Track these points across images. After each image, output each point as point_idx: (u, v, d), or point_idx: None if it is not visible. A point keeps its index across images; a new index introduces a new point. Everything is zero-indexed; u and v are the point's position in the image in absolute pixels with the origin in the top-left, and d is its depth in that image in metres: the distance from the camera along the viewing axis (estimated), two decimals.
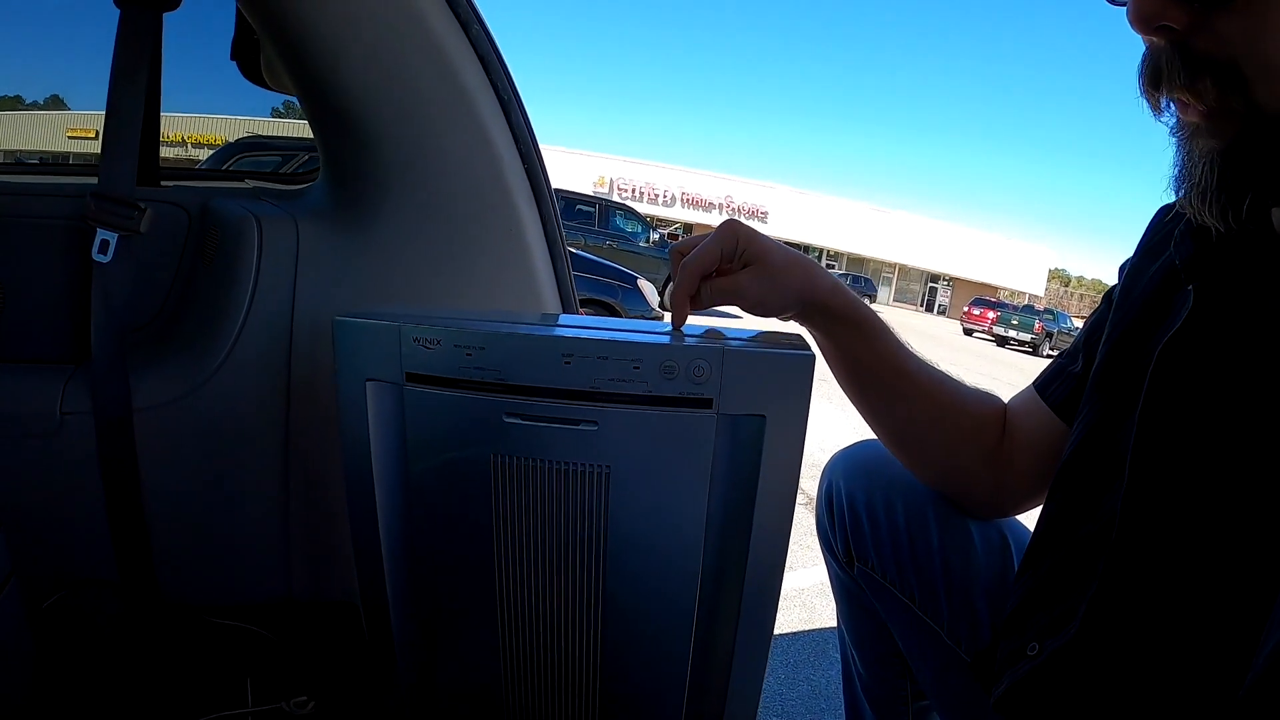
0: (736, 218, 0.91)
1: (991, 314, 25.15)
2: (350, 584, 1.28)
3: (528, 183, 1.22)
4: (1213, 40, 0.54)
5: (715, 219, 36.76)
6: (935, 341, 18.93)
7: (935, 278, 43.25)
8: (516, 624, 0.87)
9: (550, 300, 1.25)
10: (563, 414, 0.77)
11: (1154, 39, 0.58)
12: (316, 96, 1.14)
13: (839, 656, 1.26)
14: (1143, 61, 0.61)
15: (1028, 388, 0.96)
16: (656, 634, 0.85)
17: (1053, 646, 0.75)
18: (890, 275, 42.95)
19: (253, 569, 1.25)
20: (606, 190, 34.02)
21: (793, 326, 0.95)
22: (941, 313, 41.56)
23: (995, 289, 40.25)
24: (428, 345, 0.78)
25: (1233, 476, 0.63)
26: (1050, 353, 23.77)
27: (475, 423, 0.79)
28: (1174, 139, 0.62)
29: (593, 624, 0.85)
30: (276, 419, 1.19)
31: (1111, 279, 0.91)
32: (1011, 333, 23.88)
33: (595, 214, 12.44)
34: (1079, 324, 30.59)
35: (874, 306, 0.98)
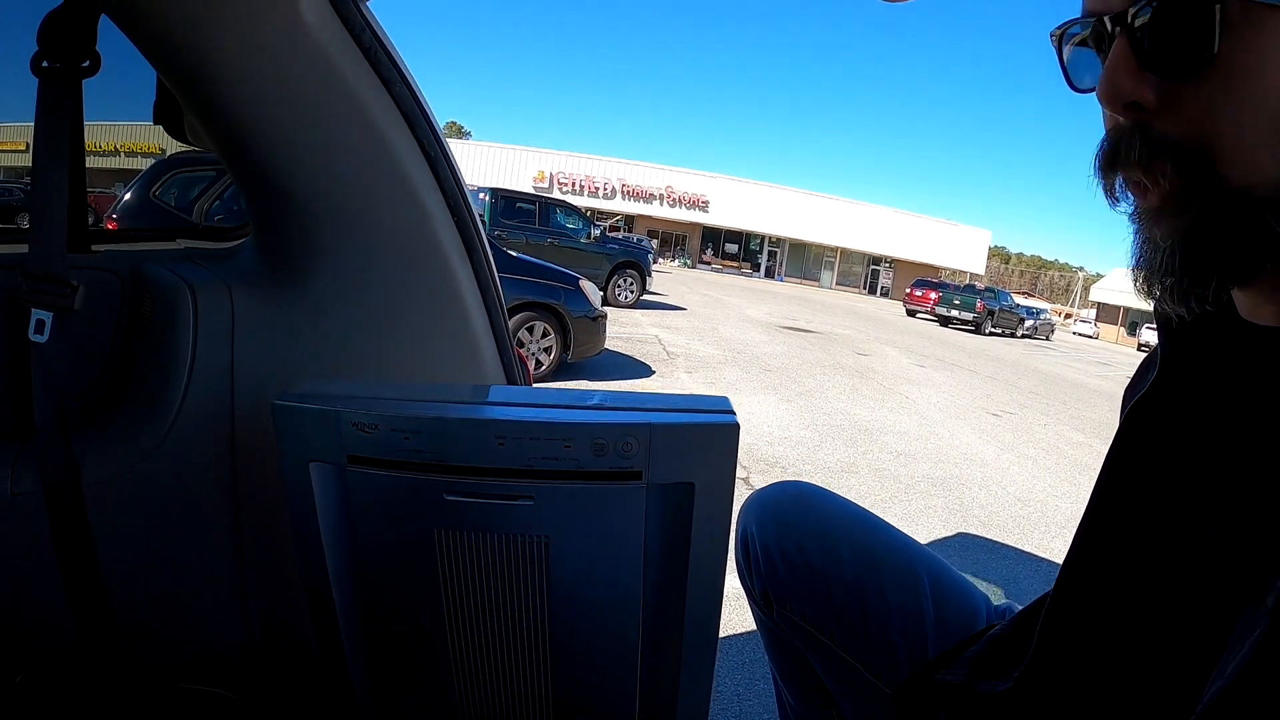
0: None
1: (934, 295, 25.58)
2: (309, 635, 1.29)
3: (459, 237, 1.23)
4: (1178, 121, 0.54)
5: (656, 210, 36.82)
6: (880, 324, 19.23)
7: (877, 260, 43.78)
8: (471, 681, 0.91)
9: (487, 352, 1.27)
10: (499, 491, 0.80)
11: (1119, 119, 0.58)
12: (237, 158, 1.14)
13: None
14: (1100, 145, 0.61)
15: None
16: (603, 687, 0.89)
17: (990, 688, 0.81)
18: (832, 259, 43.36)
19: (212, 627, 1.26)
20: (546, 185, 33.89)
21: (720, 388, 0.99)
22: (885, 295, 42.12)
23: (937, 269, 40.95)
24: (366, 430, 0.80)
25: (1175, 538, 0.64)
26: (992, 330, 24.30)
27: (417, 501, 0.82)
28: (1131, 224, 0.62)
29: (543, 677, 0.89)
30: (224, 483, 1.19)
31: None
32: (954, 313, 24.34)
33: (535, 212, 12.42)
34: (1020, 301, 31.11)
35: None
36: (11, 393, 1.17)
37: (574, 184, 35.98)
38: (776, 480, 1.20)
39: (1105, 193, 0.62)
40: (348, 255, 1.17)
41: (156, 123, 1.33)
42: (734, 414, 0.81)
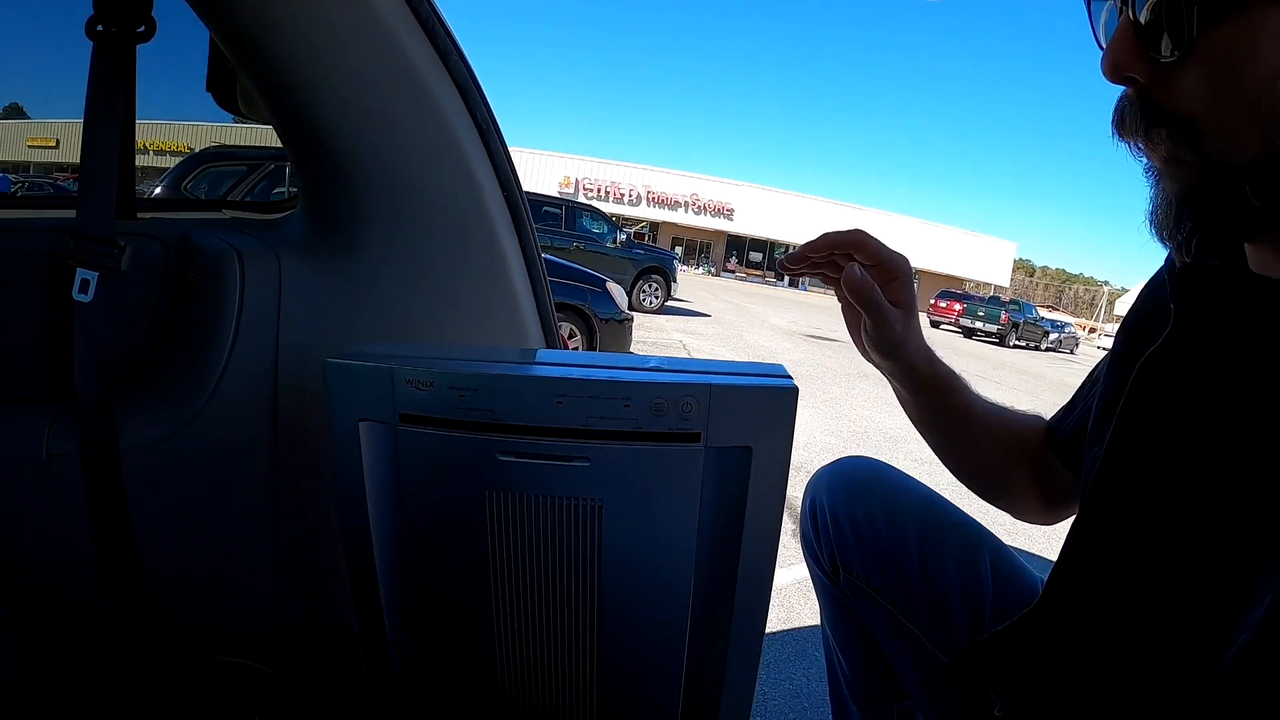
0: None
1: (958, 306, 25.39)
2: (345, 612, 1.28)
3: (507, 210, 1.22)
4: (1171, 95, 0.59)
5: (681, 217, 36.79)
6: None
7: None
8: (514, 655, 0.89)
9: (531, 324, 1.26)
10: (555, 451, 0.79)
11: (1123, 87, 0.63)
12: (293, 127, 1.13)
13: (820, 656, 1.30)
14: (1114, 109, 0.65)
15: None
16: (650, 659, 0.87)
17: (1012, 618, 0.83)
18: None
19: (247, 601, 1.25)
20: (572, 191, 33.94)
21: (780, 356, 0.97)
22: None
23: (961, 281, 40.68)
24: (421, 387, 0.79)
25: (1189, 489, 0.67)
26: (1016, 343, 24.11)
27: (469, 461, 0.81)
28: (1147, 178, 0.66)
29: (588, 652, 0.87)
30: (265, 452, 1.18)
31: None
32: (978, 324, 24.15)
33: (562, 216, 12.43)
34: (1045, 314, 30.97)
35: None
36: (54, 356, 1.17)
37: (599, 189, 36.01)
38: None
39: (1128, 148, 0.66)
40: (397, 225, 1.17)
41: (208, 90, 1.32)
42: (792, 379, 0.80)
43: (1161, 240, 0.65)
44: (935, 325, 26.20)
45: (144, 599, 1.13)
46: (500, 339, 1.24)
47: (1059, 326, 28.96)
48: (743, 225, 38.80)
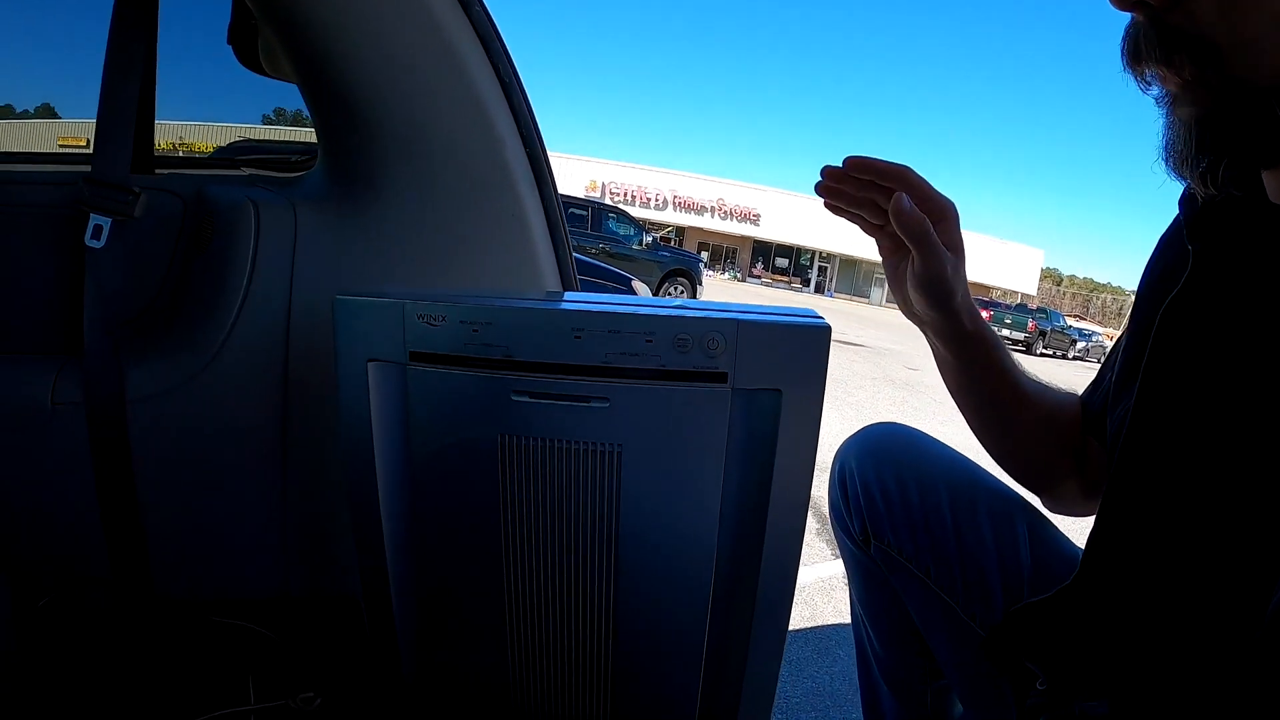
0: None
1: (985, 313, 24.88)
2: (349, 578, 1.25)
3: (529, 165, 1.19)
4: (1186, 17, 0.56)
5: (707, 222, 36.79)
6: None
7: None
8: (524, 611, 0.85)
9: (552, 282, 1.23)
10: (573, 391, 0.74)
11: (1136, 15, 0.60)
12: (315, 80, 1.12)
13: (843, 655, 1.26)
14: (1123, 37, 0.63)
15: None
16: (671, 617, 0.82)
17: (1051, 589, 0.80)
18: (883, 276, 42.93)
19: (249, 564, 1.22)
20: (599, 194, 34.01)
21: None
22: None
23: (988, 289, 40.40)
24: (432, 322, 0.76)
25: (1227, 434, 0.64)
26: (1043, 351, 23.88)
27: (482, 402, 0.77)
28: (1160, 108, 0.64)
29: (605, 609, 0.83)
30: (273, 409, 1.16)
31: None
32: (1005, 332, 23.90)
33: (588, 217, 12.42)
34: (1072, 323, 30.82)
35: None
36: (64, 310, 1.16)
37: (626, 194, 36.09)
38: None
39: (1136, 80, 0.63)
40: (416, 177, 1.14)
41: (229, 43, 1.31)
42: (824, 319, 0.75)
43: (1179, 173, 0.63)
44: None
45: (144, 557, 1.11)
46: (519, 288, 1.21)
47: (1086, 335, 28.67)
48: (769, 231, 38.73)
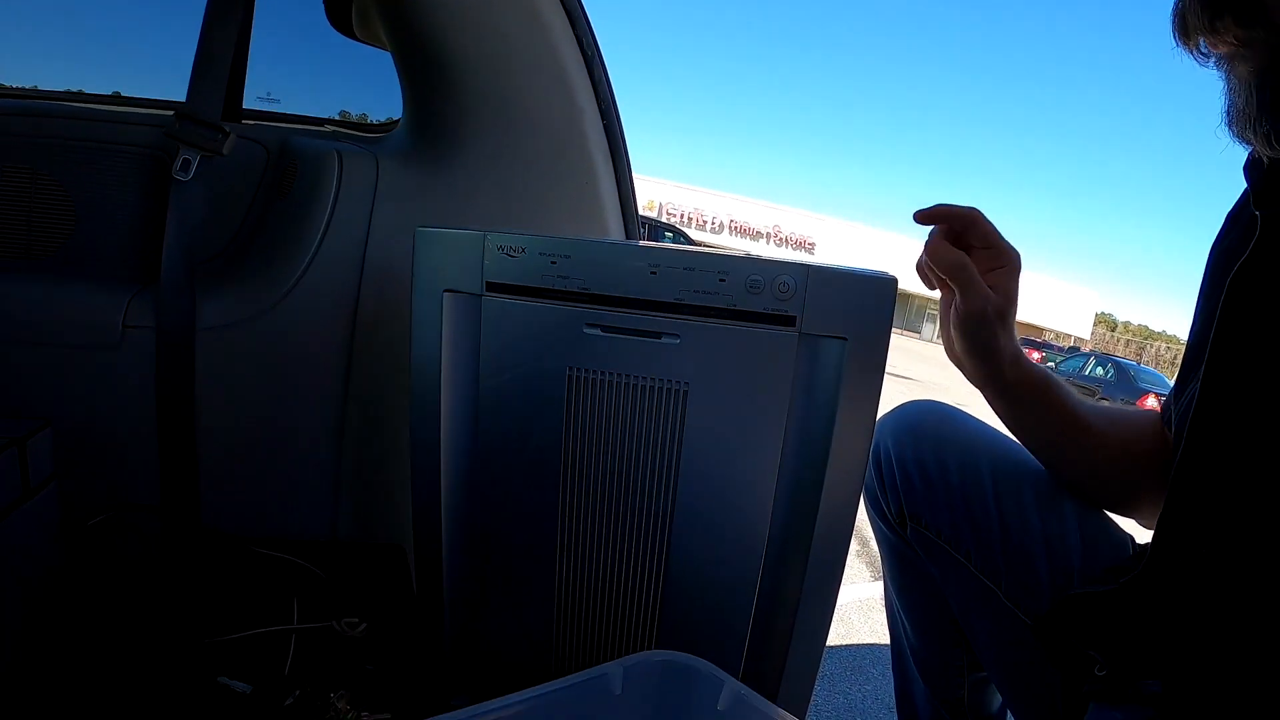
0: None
1: (1036, 355, 24.91)
2: (396, 526, 1.27)
3: (604, 135, 1.22)
4: None
5: (762, 248, 36.71)
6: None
7: None
8: (576, 554, 0.86)
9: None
10: (644, 326, 0.76)
11: None
12: (407, 40, 1.16)
13: (875, 673, 1.22)
14: (1172, 13, 0.64)
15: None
16: (724, 565, 0.82)
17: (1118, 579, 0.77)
18: (935, 312, 42.46)
19: (299, 504, 1.25)
20: (656, 214, 34.08)
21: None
22: None
23: (1041, 330, 39.78)
24: (511, 253, 0.78)
25: None
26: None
27: (553, 334, 0.78)
28: (1221, 74, 0.64)
29: (658, 554, 0.83)
30: (340, 351, 1.19)
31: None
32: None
33: (644, 234, 12.53)
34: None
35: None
36: (146, 243, 1.21)
37: (683, 215, 36.10)
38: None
39: (1192, 56, 0.64)
40: (496, 137, 1.18)
41: (325, 5, 1.36)
42: (891, 273, 0.76)
43: (1241, 136, 0.63)
44: None
45: (194, 487, 1.14)
46: None
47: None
48: (823, 259, 38.41)
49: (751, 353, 0.75)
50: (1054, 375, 0.95)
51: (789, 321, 0.74)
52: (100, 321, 1.10)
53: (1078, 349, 28.29)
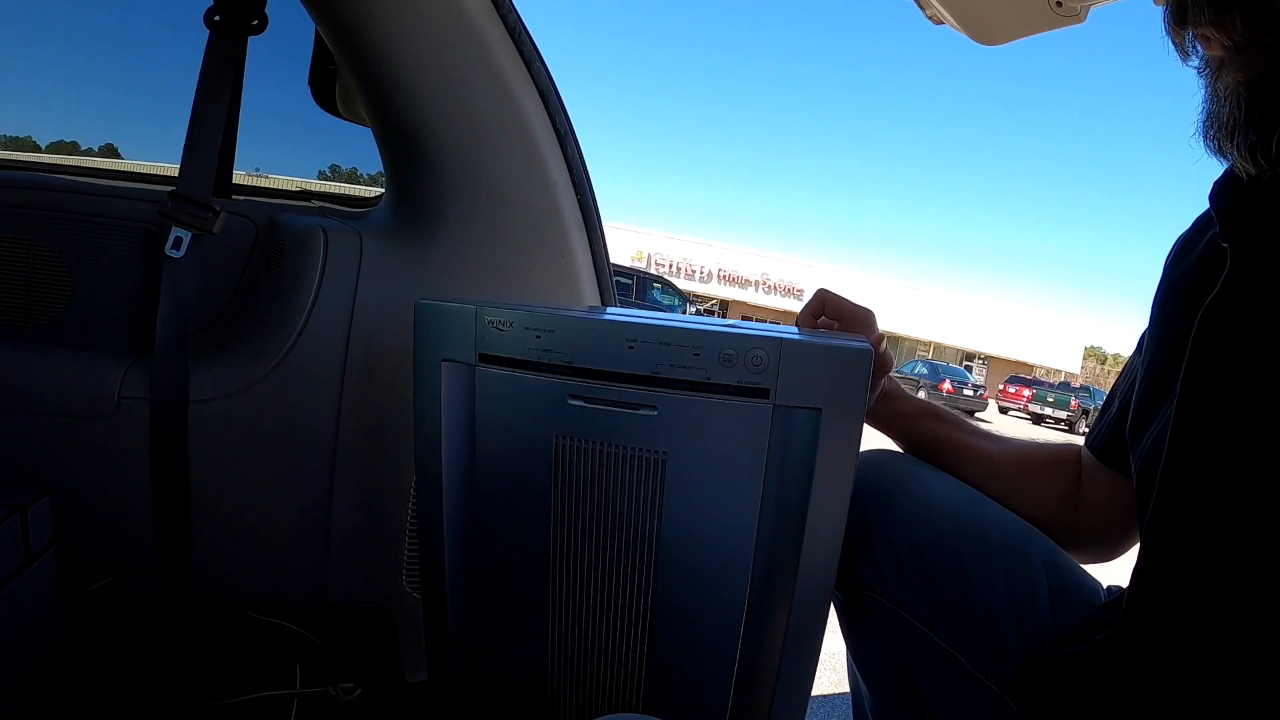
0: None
1: (1027, 392, 24.99)
2: (383, 590, 1.30)
3: (579, 210, 1.28)
4: None
5: (751, 296, 36.86)
6: (992, 427, 18.59)
7: (970, 356, 42.92)
8: (566, 613, 0.89)
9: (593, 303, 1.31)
10: (624, 398, 0.79)
11: None
12: (388, 120, 1.22)
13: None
14: (1169, 2, 0.61)
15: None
16: (705, 626, 0.85)
17: (1096, 637, 0.74)
18: (925, 353, 42.70)
19: (290, 569, 1.28)
20: (644, 265, 34.25)
21: None
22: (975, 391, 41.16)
23: (1031, 367, 39.91)
24: (500, 327, 0.82)
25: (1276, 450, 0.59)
26: (1085, 430, 23.43)
27: (541, 404, 0.82)
28: (1201, 79, 0.62)
29: (642, 612, 0.86)
30: (328, 421, 1.23)
31: None
32: (1047, 410, 23.64)
33: (633, 286, 12.63)
34: None
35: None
36: (138, 315, 1.26)
37: (671, 265, 36.24)
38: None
39: (1176, 49, 0.62)
40: (474, 215, 1.23)
41: (309, 85, 1.41)
42: (867, 342, 0.79)
43: (1221, 148, 0.60)
44: (1004, 411, 25.77)
45: (188, 552, 1.17)
46: None
47: None
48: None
49: (726, 424, 0.78)
50: (948, 414, 1.00)
51: (763, 393, 0.77)
52: (97, 392, 1.14)
53: (1068, 384, 28.34)
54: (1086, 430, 0.97)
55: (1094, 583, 0.91)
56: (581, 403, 0.80)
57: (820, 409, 0.76)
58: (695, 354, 0.77)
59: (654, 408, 0.79)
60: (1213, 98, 0.60)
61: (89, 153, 1.94)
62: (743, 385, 0.77)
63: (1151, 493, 0.68)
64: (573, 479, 0.83)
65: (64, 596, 1.02)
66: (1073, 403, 23.38)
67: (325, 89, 1.42)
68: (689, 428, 0.79)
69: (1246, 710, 0.61)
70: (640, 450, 0.80)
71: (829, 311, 0.95)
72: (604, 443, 0.81)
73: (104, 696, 1.03)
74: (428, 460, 0.88)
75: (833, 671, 2.44)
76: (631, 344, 0.78)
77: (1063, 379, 35.47)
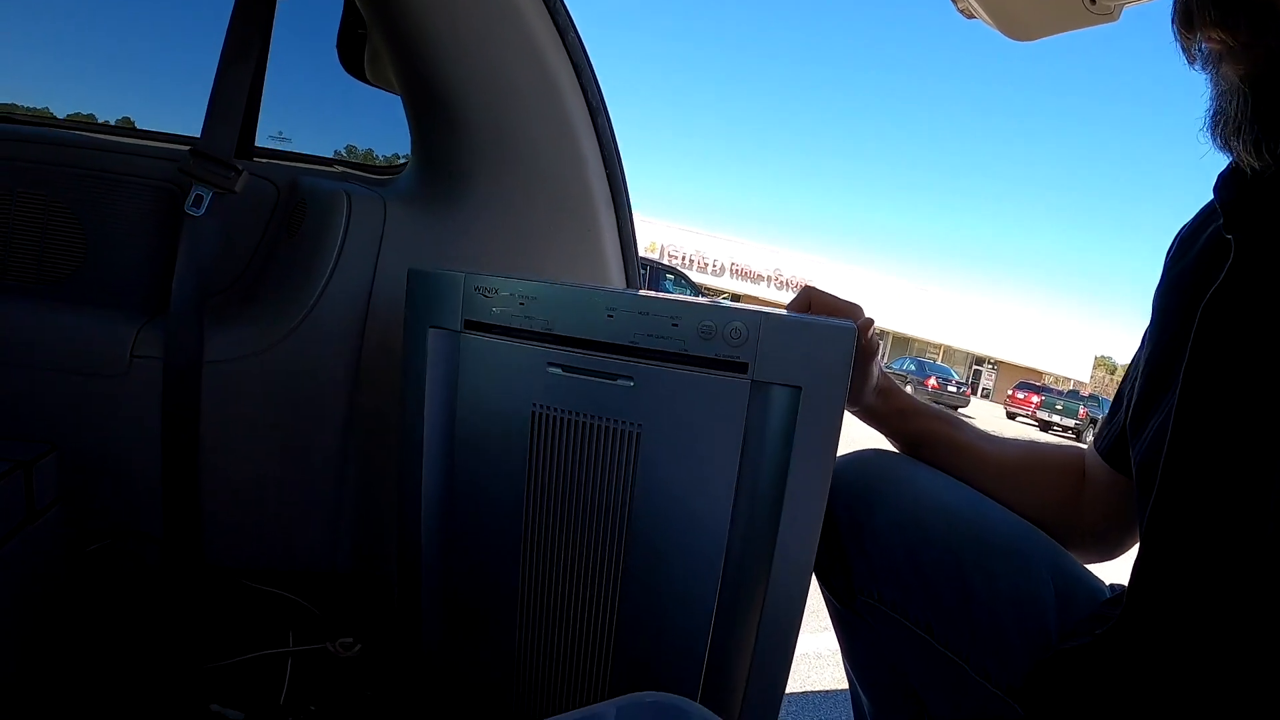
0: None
1: (1036, 398, 24.82)
2: (392, 560, 1.30)
3: (607, 185, 1.28)
4: None
5: (763, 291, 36.66)
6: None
7: (980, 360, 42.68)
8: (538, 585, 0.89)
9: (618, 283, 1.31)
10: (601, 367, 0.80)
11: None
12: (418, 84, 1.21)
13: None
14: (1174, 4, 0.61)
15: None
16: (676, 607, 0.83)
17: (1096, 631, 0.74)
18: (935, 356, 42.46)
19: (301, 536, 1.27)
20: (657, 256, 34.09)
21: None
22: (986, 396, 40.84)
23: (1040, 374, 39.68)
24: (486, 294, 0.83)
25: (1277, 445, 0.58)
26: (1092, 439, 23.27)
27: (520, 372, 0.83)
28: (1207, 77, 0.61)
29: (612, 590, 0.85)
30: (343, 387, 1.22)
31: None
32: (1055, 417, 23.46)
33: (645, 276, 12.57)
34: None
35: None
36: (156, 274, 1.25)
37: (684, 257, 36.01)
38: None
39: (1183, 51, 0.62)
40: (502, 187, 1.23)
41: (337, 48, 1.41)
42: (850, 321, 0.77)
43: (1226, 144, 0.60)
44: (1011, 417, 25.62)
45: (197, 519, 1.16)
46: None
47: None
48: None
49: (702, 398, 0.77)
50: (947, 414, 0.98)
51: (740, 368, 0.76)
52: (109, 350, 1.14)
53: (1077, 392, 28.14)
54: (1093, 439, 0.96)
55: (1098, 582, 0.89)
56: (559, 370, 0.81)
57: (800, 387, 0.75)
58: (674, 324, 0.77)
59: (630, 379, 0.79)
60: (1219, 92, 0.60)
61: (105, 125, 1.93)
62: (720, 358, 0.76)
63: (1152, 485, 0.68)
64: (548, 450, 0.83)
65: (68, 554, 1.02)
66: (1081, 411, 23.18)
67: (353, 54, 1.42)
68: (665, 400, 0.78)
69: (1246, 703, 0.60)
70: (615, 421, 0.80)
71: (815, 309, 0.93)
72: (580, 413, 0.81)
73: (101, 655, 1.03)
74: (410, 428, 0.89)
75: (836, 668, 2.41)
76: (611, 313, 0.78)
77: (1072, 387, 35.21)
